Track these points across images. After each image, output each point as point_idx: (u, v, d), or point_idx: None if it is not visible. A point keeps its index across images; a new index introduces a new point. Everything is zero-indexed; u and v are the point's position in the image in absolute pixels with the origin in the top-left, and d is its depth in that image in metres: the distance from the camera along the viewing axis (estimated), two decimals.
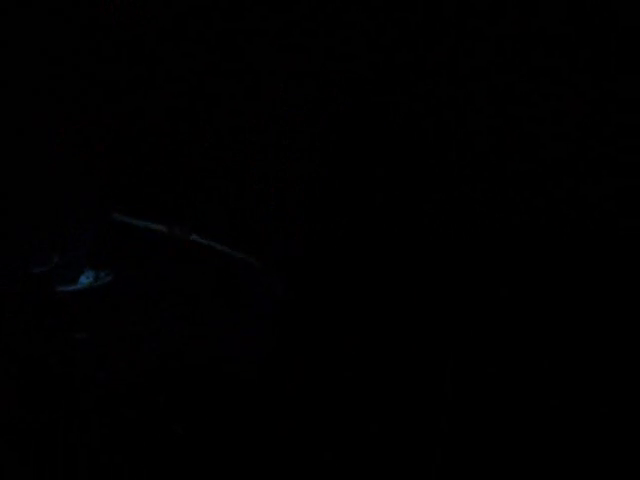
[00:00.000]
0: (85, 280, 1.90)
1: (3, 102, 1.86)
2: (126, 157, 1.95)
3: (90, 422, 1.81)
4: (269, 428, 1.89)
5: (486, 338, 1.97)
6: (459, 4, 1.95)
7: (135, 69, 1.91)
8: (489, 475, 1.88)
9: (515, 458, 1.89)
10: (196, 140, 1.99)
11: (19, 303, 1.82)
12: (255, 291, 1.98)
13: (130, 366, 1.87)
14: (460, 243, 2.03)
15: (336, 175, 2.05)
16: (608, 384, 1.92)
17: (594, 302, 1.97)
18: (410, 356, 1.97)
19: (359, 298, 2.02)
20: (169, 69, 1.92)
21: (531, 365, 1.95)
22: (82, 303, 1.88)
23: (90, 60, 1.89)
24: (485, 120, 2.02)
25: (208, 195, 2.01)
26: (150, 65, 1.92)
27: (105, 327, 1.88)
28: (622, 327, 1.95)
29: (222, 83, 1.98)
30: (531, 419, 1.91)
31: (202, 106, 1.98)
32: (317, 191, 2.04)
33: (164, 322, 1.92)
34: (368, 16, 1.98)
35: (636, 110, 1.96)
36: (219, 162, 2.00)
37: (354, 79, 2.01)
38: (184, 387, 1.88)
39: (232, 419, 1.89)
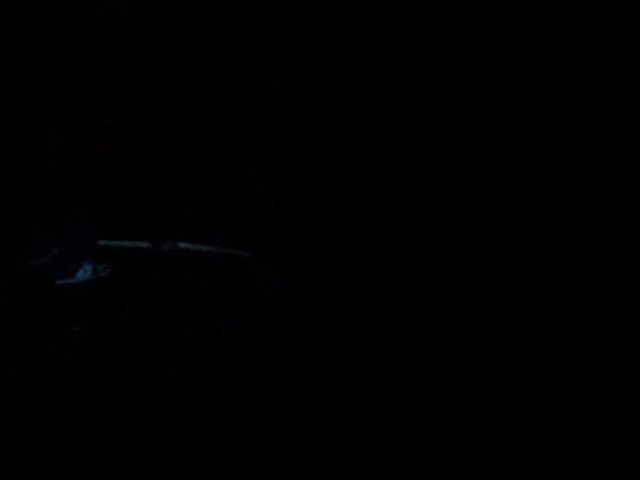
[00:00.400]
0: (83, 274, 1.91)
1: (3, 102, 1.86)
2: (126, 157, 1.95)
3: (89, 417, 1.81)
4: (265, 425, 1.89)
5: (486, 337, 1.97)
6: (458, 4, 1.95)
7: (135, 69, 1.92)
8: (489, 475, 1.88)
9: (514, 457, 1.89)
10: (195, 140, 1.99)
11: (18, 296, 1.83)
12: (251, 284, 1.98)
13: (128, 362, 1.88)
14: (459, 243, 2.03)
15: (335, 175, 2.05)
16: (608, 383, 1.92)
17: (594, 302, 1.97)
18: (409, 354, 1.97)
19: (359, 297, 2.02)
20: (168, 69, 1.93)
21: (531, 364, 1.95)
22: (80, 296, 1.89)
23: (90, 60, 1.89)
24: (484, 120, 2.02)
25: (207, 195, 2.01)
26: (149, 65, 1.92)
27: (103, 321, 1.89)
28: (622, 326, 1.95)
29: (221, 83, 1.98)
30: (532, 419, 1.91)
31: (201, 106, 1.98)
32: (316, 191, 2.04)
33: (162, 319, 1.92)
34: (367, 16, 1.98)
35: (635, 110, 1.96)
36: (218, 162, 2.01)
37: (353, 79, 2.01)
38: (181, 383, 1.89)
39: (228, 415, 1.89)
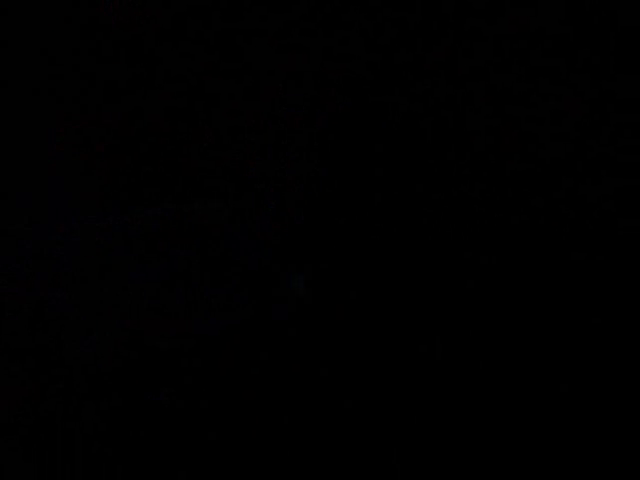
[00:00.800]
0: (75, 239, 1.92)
1: (3, 102, 1.87)
2: (126, 157, 1.96)
3: (83, 405, 1.83)
4: (257, 395, 1.90)
5: (488, 338, 1.97)
6: (457, 4, 1.95)
7: (135, 69, 1.92)
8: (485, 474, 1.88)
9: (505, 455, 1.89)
10: (195, 140, 1.99)
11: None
12: (235, 247, 1.98)
13: (117, 336, 1.89)
14: (460, 242, 2.02)
15: (335, 175, 2.05)
16: (607, 383, 1.91)
17: (595, 301, 1.97)
18: (402, 349, 1.97)
19: (359, 296, 2.02)
20: (169, 69, 1.93)
21: (533, 365, 1.95)
22: (70, 264, 1.90)
23: (90, 60, 1.89)
24: (484, 120, 2.01)
25: (208, 194, 2.01)
26: (150, 65, 1.92)
27: (91, 297, 1.90)
28: (623, 326, 1.95)
29: (221, 83, 1.98)
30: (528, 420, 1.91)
31: (202, 106, 1.98)
32: (316, 191, 2.04)
33: (150, 289, 1.93)
34: (366, 16, 1.98)
35: (635, 110, 1.96)
36: (218, 162, 2.01)
37: (352, 79, 2.01)
38: (171, 354, 1.90)
39: (221, 384, 1.90)
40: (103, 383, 1.86)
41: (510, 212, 2.02)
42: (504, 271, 2.01)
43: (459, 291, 2.00)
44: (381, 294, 2.01)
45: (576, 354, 1.94)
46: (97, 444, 1.81)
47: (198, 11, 1.93)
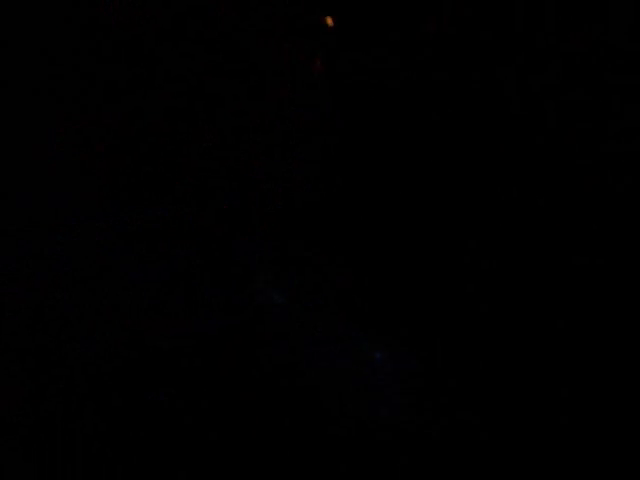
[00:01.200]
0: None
1: (3, 102, 1.87)
2: (126, 157, 1.96)
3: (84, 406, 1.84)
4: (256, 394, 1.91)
5: (491, 336, 1.96)
6: (529, 21, 1.92)
7: (135, 69, 1.92)
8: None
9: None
10: (198, 141, 1.99)
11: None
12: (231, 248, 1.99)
13: (117, 336, 1.90)
14: (467, 244, 2.02)
15: (341, 176, 2.05)
16: (609, 385, 1.91)
17: (600, 301, 1.96)
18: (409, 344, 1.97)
19: (363, 298, 2.02)
20: (169, 69, 1.92)
21: (535, 363, 1.94)
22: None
23: (90, 60, 1.89)
24: (487, 119, 2.00)
25: (211, 196, 2.01)
26: (151, 65, 1.92)
27: (92, 297, 1.92)
28: (626, 332, 1.94)
29: (223, 83, 1.98)
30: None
31: (206, 106, 1.98)
32: (322, 191, 2.04)
33: (149, 289, 1.94)
34: (376, 16, 1.97)
35: None
36: (222, 163, 2.01)
37: (363, 82, 2.01)
38: (170, 354, 1.91)
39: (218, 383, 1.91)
40: (103, 383, 1.87)
41: (520, 213, 2.01)
42: (513, 272, 2.00)
43: (466, 292, 2.00)
44: (387, 293, 2.02)
45: (578, 353, 1.94)
46: (97, 444, 1.83)
47: (200, 11, 1.92)
